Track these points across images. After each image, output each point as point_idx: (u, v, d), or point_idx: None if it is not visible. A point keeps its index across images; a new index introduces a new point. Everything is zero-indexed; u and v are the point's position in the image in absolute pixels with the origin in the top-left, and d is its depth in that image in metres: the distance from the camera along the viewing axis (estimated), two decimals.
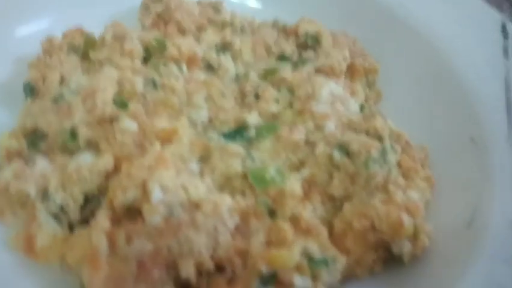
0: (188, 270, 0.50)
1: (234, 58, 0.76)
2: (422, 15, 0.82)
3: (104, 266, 0.47)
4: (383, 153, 0.59)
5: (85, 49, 0.71)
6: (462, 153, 0.66)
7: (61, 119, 0.57)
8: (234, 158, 0.58)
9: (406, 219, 0.52)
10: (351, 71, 0.79)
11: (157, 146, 0.54)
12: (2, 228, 0.53)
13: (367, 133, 0.61)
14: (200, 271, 0.51)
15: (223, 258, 0.51)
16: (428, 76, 0.76)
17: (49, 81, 0.64)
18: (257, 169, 0.57)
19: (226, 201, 0.52)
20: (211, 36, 0.76)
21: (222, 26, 0.79)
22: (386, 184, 0.59)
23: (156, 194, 0.48)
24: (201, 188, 0.53)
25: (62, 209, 0.53)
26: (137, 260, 0.48)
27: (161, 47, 0.70)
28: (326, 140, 0.61)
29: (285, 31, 0.81)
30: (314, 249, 0.50)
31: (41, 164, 0.55)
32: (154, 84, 0.63)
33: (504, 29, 0.77)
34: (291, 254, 0.48)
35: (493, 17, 0.79)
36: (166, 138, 0.58)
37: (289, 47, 0.77)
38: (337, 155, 0.58)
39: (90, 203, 0.55)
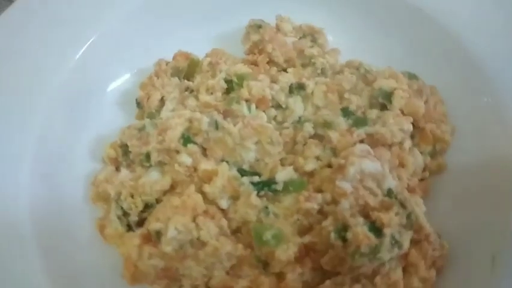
0: (186, 287, 0.69)
1: (305, 99, 0.83)
2: None
3: (134, 266, 0.69)
4: (375, 250, 0.63)
5: (188, 71, 0.89)
6: (478, 270, 0.64)
7: (141, 145, 0.77)
8: (252, 208, 0.71)
9: None
10: (419, 136, 0.78)
11: (192, 188, 0.70)
12: (95, 210, 0.79)
13: (373, 223, 0.65)
14: None
15: (213, 287, 0.68)
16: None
17: (151, 100, 0.84)
18: (259, 227, 0.69)
19: (226, 247, 0.67)
20: (289, 77, 0.83)
21: (305, 64, 0.85)
22: (375, 274, 0.65)
23: (171, 232, 0.66)
24: (212, 230, 0.68)
25: (125, 213, 0.75)
26: (154, 270, 0.69)
27: (240, 84, 0.82)
28: (335, 216, 0.67)
29: (365, 78, 0.82)
30: None
31: (124, 173, 0.78)
32: (216, 126, 0.77)
33: None
34: None
35: None
36: (207, 177, 0.74)
37: (356, 101, 0.79)
38: (333, 236, 0.65)
39: (148, 209, 0.77)
